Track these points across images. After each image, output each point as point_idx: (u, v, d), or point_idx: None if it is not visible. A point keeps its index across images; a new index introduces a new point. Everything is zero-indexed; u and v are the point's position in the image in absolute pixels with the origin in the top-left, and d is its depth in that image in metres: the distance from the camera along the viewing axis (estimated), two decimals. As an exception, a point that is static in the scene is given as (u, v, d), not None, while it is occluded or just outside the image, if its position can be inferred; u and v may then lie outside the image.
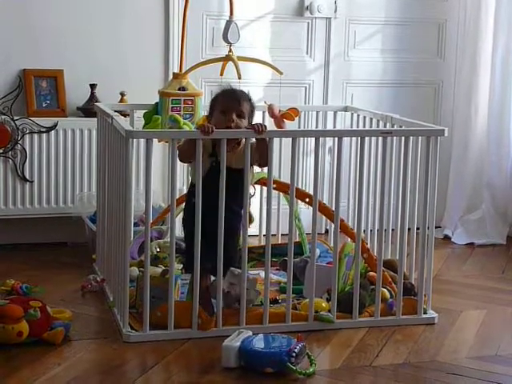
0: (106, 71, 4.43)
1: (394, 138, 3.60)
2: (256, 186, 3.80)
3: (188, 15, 4.04)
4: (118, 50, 4.46)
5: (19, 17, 4.29)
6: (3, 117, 4.20)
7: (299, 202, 3.87)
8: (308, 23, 4.76)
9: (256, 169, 3.43)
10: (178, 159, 3.16)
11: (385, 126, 3.83)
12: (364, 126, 4.05)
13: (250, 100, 3.28)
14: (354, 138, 3.96)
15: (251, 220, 3.79)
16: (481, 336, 3.37)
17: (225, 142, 3.10)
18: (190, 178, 3.33)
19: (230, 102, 3.22)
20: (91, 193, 4.32)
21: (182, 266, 3.42)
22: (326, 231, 4.60)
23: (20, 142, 4.23)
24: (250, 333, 3.07)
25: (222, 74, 3.97)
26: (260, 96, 4.59)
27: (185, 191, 4.04)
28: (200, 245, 3.15)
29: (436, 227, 4.42)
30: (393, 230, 3.66)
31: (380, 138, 3.54)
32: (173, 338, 3.18)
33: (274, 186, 3.63)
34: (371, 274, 3.54)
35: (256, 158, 3.22)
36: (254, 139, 3.19)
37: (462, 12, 4.93)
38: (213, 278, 3.28)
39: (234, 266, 3.29)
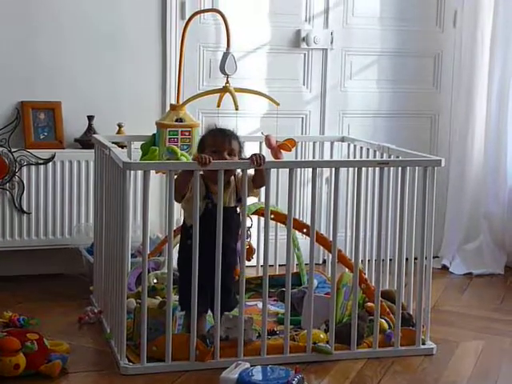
0: (103, 103, 4.44)
1: (391, 168, 3.60)
2: (254, 216, 3.80)
3: (185, 47, 4.06)
4: (116, 81, 4.48)
5: (17, 49, 4.31)
6: (1, 149, 4.21)
7: (297, 232, 3.86)
8: (304, 54, 4.79)
9: (252, 199, 3.44)
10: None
11: (381, 157, 3.84)
12: (361, 157, 4.06)
13: (237, 138, 3.33)
14: (351, 169, 3.97)
15: (253, 251, 3.78)
16: (479, 367, 3.35)
17: (222, 174, 3.11)
18: (183, 221, 3.33)
19: (221, 142, 3.27)
20: (88, 224, 4.32)
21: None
22: (324, 262, 4.59)
23: (17, 173, 4.23)
24: (248, 365, 3.05)
25: (219, 106, 3.97)
26: (257, 127, 4.62)
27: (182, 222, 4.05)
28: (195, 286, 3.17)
29: (434, 257, 4.41)
30: (391, 260, 3.65)
31: (377, 169, 3.55)
32: (170, 370, 3.16)
33: (272, 216, 3.63)
34: (369, 304, 3.53)
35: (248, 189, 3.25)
36: (238, 172, 3.24)
37: (458, 43, 4.97)
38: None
39: (232, 300, 3.30)
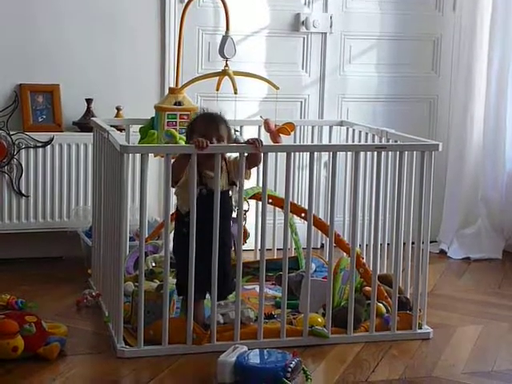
0: (102, 86, 4.43)
1: (389, 152, 3.60)
2: (251, 201, 3.81)
3: (184, 30, 4.05)
4: (114, 64, 4.47)
5: (15, 32, 4.30)
6: (-1, 132, 4.21)
7: (295, 216, 3.86)
8: (304, 38, 4.77)
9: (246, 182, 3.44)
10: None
11: (380, 141, 3.84)
12: (359, 141, 4.06)
13: (226, 123, 3.30)
14: (349, 153, 3.97)
15: (247, 235, 3.79)
16: (477, 351, 3.36)
17: (219, 157, 3.11)
18: (177, 208, 3.31)
19: (209, 130, 3.22)
20: (87, 207, 4.33)
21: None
22: (322, 246, 4.60)
23: (16, 156, 4.23)
24: (246, 348, 3.06)
25: (218, 89, 3.97)
26: (256, 111, 4.61)
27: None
28: (194, 271, 3.17)
29: (432, 242, 4.43)
30: (388, 244, 3.65)
31: (375, 153, 3.55)
32: (167, 353, 3.17)
33: (270, 201, 3.63)
34: (367, 288, 3.54)
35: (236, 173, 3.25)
36: (230, 155, 3.24)
37: (457, 27, 4.95)
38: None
39: (230, 285, 3.29)
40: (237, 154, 3.20)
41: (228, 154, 3.27)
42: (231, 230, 3.34)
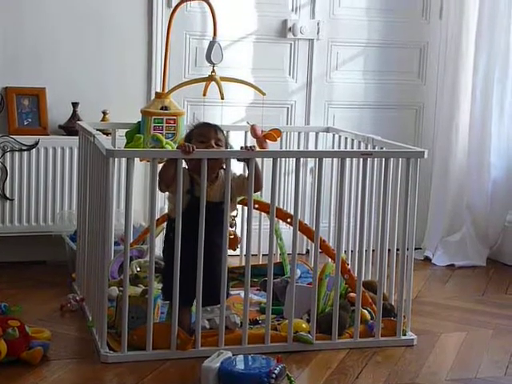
0: (88, 90, 4.43)
1: (375, 159, 3.61)
2: (238, 206, 3.80)
3: (171, 35, 4.05)
4: (101, 68, 4.46)
5: (1, 35, 4.29)
6: (-16, 134, 4.20)
7: (281, 221, 3.86)
8: (291, 44, 4.78)
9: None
10: (157, 185, 3.17)
11: (366, 148, 3.85)
12: (345, 147, 4.06)
13: (223, 132, 3.35)
14: (335, 159, 3.98)
15: (238, 241, 3.78)
16: (460, 358, 3.37)
17: (205, 163, 3.11)
18: (167, 211, 3.31)
19: (207, 132, 3.28)
20: (72, 211, 4.31)
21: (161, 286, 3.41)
22: (307, 252, 4.60)
23: (1, 160, 4.22)
24: (230, 354, 3.06)
25: (204, 94, 3.97)
26: (242, 116, 4.62)
27: (166, 210, 4.04)
28: (181, 277, 3.17)
29: (417, 248, 4.44)
30: (373, 250, 3.66)
31: (361, 159, 3.55)
32: (151, 358, 3.16)
33: (256, 206, 3.64)
34: (352, 294, 3.54)
35: (240, 190, 3.26)
36: (234, 172, 3.25)
37: (444, 35, 4.97)
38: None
39: (219, 295, 3.25)
40: (242, 173, 3.21)
41: (234, 171, 3.28)
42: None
